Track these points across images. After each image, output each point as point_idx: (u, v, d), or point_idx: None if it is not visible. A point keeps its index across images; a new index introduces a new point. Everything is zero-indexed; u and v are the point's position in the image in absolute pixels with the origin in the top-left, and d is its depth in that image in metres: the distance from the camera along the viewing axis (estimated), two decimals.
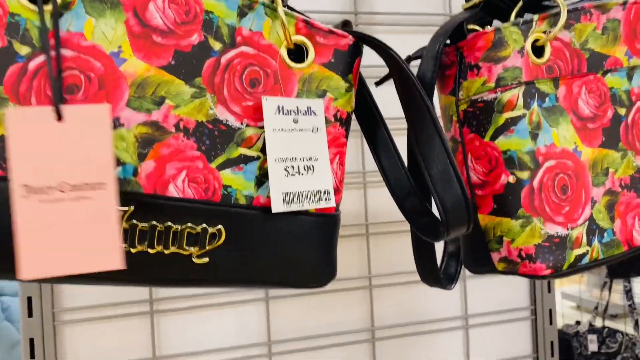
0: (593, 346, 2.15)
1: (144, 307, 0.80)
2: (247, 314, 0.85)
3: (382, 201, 0.90)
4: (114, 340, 0.79)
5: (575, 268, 0.49)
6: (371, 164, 0.89)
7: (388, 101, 0.54)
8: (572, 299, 4.33)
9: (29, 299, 0.76)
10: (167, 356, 0.81)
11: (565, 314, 3.88)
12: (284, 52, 0.45)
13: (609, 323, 2.27)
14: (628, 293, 2.30)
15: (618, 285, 2.50)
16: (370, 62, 0.82)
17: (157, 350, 0.81)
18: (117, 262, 0.37)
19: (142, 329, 0.80)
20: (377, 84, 0.57)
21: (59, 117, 0.37)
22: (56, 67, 0.37)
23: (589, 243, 0.51)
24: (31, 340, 0.76)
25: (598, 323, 2.26)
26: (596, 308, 2.46)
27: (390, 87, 0.84)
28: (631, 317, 2.28)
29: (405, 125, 0.51)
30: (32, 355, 0.76)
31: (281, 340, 0.85)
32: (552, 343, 0.98)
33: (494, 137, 0.50)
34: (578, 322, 2.27)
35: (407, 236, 0.92)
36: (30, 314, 0.76)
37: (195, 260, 0.41)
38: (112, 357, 0.79)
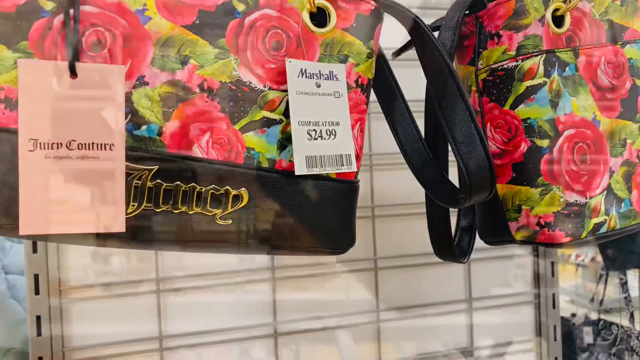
0: (588, 338, 2.16)
1: (151, 286, 0.80)
2: (253, 293, 0.84)
3: (388, 184, 0.90)
4: (120, 318, 0.79)
5: (594, 236, 0.50)
6: (377, 146, 0.89)
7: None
8: (567, 293, 4.34)
9: (36, 276, 0.75)
10: (173, 335, 0.80)
11: (561, 308, 3.89)
12: (306, 16, 0.44)
13: (603, 317, 2.28)
14: (624, 286, 2.31)
15: (613, 279, 2.50)
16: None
17: (164, 329, 0.80)
18: (118, 225, 0.37)
19: (149, 308, 0.80)
20: (395, 54, 0.57)
21: (73, 73, 0.36)
22: (73, 23, 0.37)
23: (607, 212, 0.51)
24: (38, 318, 0.76)
25: (593, 316, 2.26)
26: (591, 301, 2.47)
27: (402, 71, 0.84)
28: (627, 310, 2.29)
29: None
30: (39, 333, 0.75)
31: (287, 321, 0.85)
32: (555, 327, 0.99)
33: (514, 106, 0.50)
34: (574, 315, 2.28)
35: (413, 219, 0.92)
36: (37, 292, 0.76)
37: (219, 222, 0.41)
38: (119, 335, 0.79)
